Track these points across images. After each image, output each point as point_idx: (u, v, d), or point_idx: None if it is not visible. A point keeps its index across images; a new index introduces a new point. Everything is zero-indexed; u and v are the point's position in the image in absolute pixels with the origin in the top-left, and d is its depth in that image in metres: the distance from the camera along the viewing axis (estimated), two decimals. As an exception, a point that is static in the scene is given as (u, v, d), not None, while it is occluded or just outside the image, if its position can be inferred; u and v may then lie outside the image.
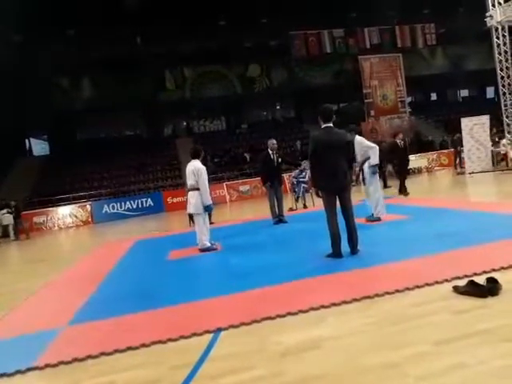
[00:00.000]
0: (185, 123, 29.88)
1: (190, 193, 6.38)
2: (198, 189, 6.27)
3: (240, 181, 20.27)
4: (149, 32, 21.69)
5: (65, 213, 18.47)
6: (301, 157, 21.63)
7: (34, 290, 5.41)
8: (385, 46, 24.01)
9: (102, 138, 26.22)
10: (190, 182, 6.38)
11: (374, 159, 6.85)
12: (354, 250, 4.76)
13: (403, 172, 10.72)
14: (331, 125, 4.79)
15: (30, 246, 13.02)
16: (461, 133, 15.52)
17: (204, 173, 6.27)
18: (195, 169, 6.28)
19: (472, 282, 3.15)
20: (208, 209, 6.37)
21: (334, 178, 4.69)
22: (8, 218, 15.54)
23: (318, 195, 4.94)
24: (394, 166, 10.87)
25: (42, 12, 17.46)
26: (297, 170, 11.33)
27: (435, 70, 28.86)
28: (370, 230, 6.30)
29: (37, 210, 18.41)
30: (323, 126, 4.81)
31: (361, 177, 7.02)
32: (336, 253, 4.70)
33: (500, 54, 15.19)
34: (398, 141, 10.72)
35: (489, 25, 15.22)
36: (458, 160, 18.30)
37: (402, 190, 10.37)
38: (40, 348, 3.21)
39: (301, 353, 2.60)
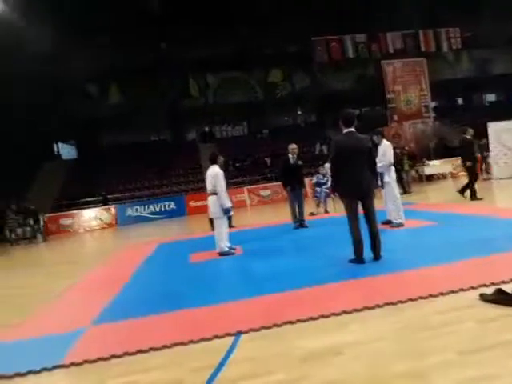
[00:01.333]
0: (208, 128, 30.19)
1: (209, 197, 6.52)
2: (215, 193, 6.39)
3: (261, 185, 20.28)
4: (173, 39, 22.08)
5: (90, 215, 18.87)
6: (321, 161, 21.53)
7: (60, 292, 5.54)
8: (408, 50, 23.68)
9: (128, 143, 26.70)
10: (209, 186, 6.51)
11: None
12: (377, 256, 4.70)
13: (475, 173, 9.80)
14: (353, 129, 4.74)
15: (56, 248, 13.34)
16: (487, 138, 15.13)
17: (221, 177, 6.39)
18: (212, 173, 6.44)
19: (500, 290, 3.07)
20: (227, 211, 6.45)
21: (357, 184, 4.65)
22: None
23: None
24: (467, 166, 9.73)
25: (71, 18, 17.99)
26: (319, 175, 11.29)
27: (460, 74, 28.28)
28: (395, 236, 6.21)
29: (63, 213, 18.88)
30: (345, 130, 4.76)
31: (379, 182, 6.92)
32: (359, 259, 4.65)
33: (529, 57, 14.79)
34: (468, 136, 9.82)
35: (517, 28, 14.86)
36: (484, 166, 17.84)
37: (474, 195, 9.53)
38: (66, 347, 3.29)
39: (322, 358, 2.58)
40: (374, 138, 7.03)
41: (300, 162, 8.66)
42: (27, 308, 4.87)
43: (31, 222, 15.83)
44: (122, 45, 21.28)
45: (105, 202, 19.77)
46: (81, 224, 18.59)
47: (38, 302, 5.06)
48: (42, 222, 16.01)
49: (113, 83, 25.26)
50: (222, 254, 6.42)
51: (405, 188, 14.18)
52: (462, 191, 9.79)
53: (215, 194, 6.39)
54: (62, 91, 22.36)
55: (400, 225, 6.78)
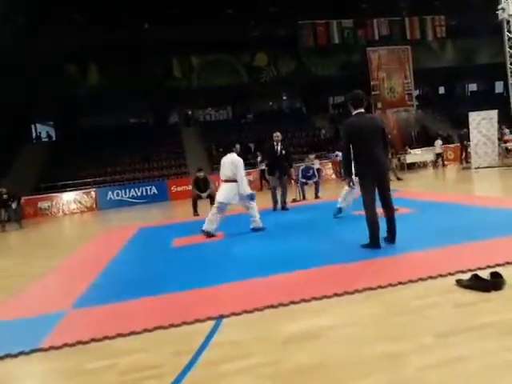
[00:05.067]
0: (191, 112, 29.78)
1: (227, 184, 6.57)
2: (233, 180, 6.48)
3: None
4: (156, 19, 21.53)
5: (69, 199, 18.54)
6: (307, 147, 21.55)
7: (38, 275, 5.45)
8: (394, 37, 23.69)
9: (108, 125, 26.18)
10: (227, 173, 6.57)
11: None
12: (393, 239, 4.60)
13: None
14: (363, 110, 4.59)
15: (34, 231, 13.11)
16: (468, 127, 15.38)
17: (242, 164, 6.55)
18: (233, 160, 6.53)
19: (476, 276, 3.14)
20: (252, 197, 6.63)
21: (374, 165, 4.49)
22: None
23: (349, 185, 4.82)
24: None
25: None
26: (303, 166, 11.19)
27: (444, 63, 28.47)
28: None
29: (42, 196, 18.48)
30: (354, 112, 4.61)
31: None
32: (375, 243, 4.51)
33: (511, 47, 14.98)
34: None
35: (500, 18, 14.99)
36: (464, 155, 18.19)
37: None
38: (44, 330, 3.25)
39: (302, 341, 2.61)
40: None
41: (283, 152, 8.98)
42: (5, 290, 4.78)
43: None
44: (102, 24, 20.64)
45: (85, 186, 19.45)
46: (60, 207, 18.27)
47: (16, 285, 4.97)
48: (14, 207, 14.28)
49: (92, 63, 24.57)
50: (205, 232, 6.51)
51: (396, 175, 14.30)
52: None
53: (233, 181, 6.48)
54: (40, 71, 21.64)
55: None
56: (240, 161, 6.55)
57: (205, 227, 6.57)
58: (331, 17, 22.62)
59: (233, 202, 6.69)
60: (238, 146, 6.90)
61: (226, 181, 6.59)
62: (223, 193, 6.59)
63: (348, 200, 7.03)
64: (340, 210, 7.06)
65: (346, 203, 7.07)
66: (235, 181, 6.50)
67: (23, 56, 20.05)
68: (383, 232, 4.63)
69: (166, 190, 19.17)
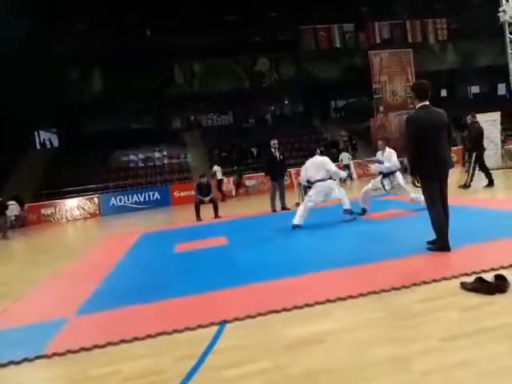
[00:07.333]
0: (193, 117, 29.86)
1: (327, 182, 6.92)
2: (325, 179, 6.93)
3: (246, 175, 20.22)
4: (158, 25, 21.67)
5: (73, 205, 18.59)
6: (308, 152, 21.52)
7: (42, 281, 5.46)
8: (395, 40, 23.71)
9: (111, 131, 26.25)
10: (315, 176, 6.95)
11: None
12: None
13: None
14: (428, 103, 4.18)
15: (38, 237, 13.14)
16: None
17: (329, 160, 7.17)
18: (320, 161, 7.05)
19: (480, 279, 3.13)
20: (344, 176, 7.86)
21: (440, 163, 4.15)
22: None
23: (415, 185, 4.44)
24: (479, 157, 9.96)
25: (52, 2, 17.48)
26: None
27: (446, 65, 28.47)
28: (377, 226, 6.28)
29: (45, 202, 18.53)
30: (419, 104, 4.20)
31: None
32: (445, 245, 4.17)
33: (512, 49, 14.97)
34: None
35: (502, 20, 14.99)
36: (466, 157, 18.10)
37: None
38: (48, 337, 3.24)
39: (306, 346, 2.60)
40: (380, 143, 7.33)
41: (281, 157, 9.86)
42: (8, 297, 4.78)
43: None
44: (105, 30, 20.79)
45: (87, 192, 19.49)
46: (63, 214, 18.31)
47: (20, 292, 4.98)
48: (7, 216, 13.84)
49: (95, 69, 24.72)
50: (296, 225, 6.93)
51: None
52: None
53: (325, 180, 6.91)
54: (42, 78, 21.77)
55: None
56: (326, 159, 7.19)
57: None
58: (332, 21, 22.67)
59: (327, 199, 7.07)
60: (318, 150, 7.70)
61: (319, 181, 6.93)
62: (318, 191, 6.95)
63: (369, 196, 7.30)
64: (364, 210, 7.25)
65: (367, 204, 7.29)
66: (326, 179, 6.95)
67: (26, 63, 20.17)
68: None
69: (168, 196, 19.21)
